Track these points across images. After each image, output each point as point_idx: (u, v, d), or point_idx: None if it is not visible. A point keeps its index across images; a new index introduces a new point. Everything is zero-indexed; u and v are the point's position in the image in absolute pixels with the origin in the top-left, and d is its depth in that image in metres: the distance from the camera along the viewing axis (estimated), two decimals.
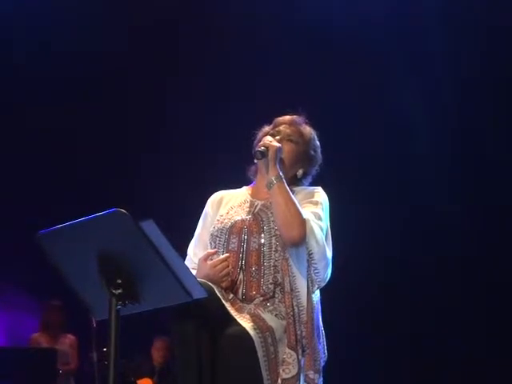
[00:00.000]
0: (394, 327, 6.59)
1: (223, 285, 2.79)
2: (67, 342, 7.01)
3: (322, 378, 2.77)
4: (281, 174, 2.85)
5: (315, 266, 2.79)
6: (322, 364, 2.79)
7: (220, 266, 2.81)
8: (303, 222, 2.76)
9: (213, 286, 2.71)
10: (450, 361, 6.52)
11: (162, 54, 7.07)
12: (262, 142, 2.89)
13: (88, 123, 7.17)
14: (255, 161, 2.92)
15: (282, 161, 2.93)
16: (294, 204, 2.79)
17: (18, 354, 6.59)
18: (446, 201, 6.59)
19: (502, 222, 6.50)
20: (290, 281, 2.76)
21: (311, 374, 2.70)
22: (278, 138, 2.97)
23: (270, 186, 2.84)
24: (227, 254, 2.85)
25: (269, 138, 2.91)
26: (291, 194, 2.83)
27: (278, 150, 2.87)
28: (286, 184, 2.84)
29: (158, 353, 7.16)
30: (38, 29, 6.85)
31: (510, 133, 6.42)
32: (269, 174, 2.86)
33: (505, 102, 6.47)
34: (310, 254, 2.78)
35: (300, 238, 2.76)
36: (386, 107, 6.67)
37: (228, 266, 2.82)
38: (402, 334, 6.59)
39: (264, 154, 2.86)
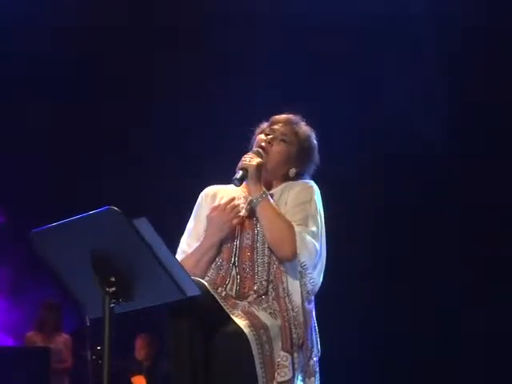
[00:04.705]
0: (394, 328, 6.59)
1: (234, 222, 2.84)
2: (61, 341, 7.04)
3: (318, 376, 2.78)
4: (264, 190, 2.84)
5: (310, 275, 2.79)
6: (316, 359, 2.79)
7: (229, 207, 2.86)
8: (292, 237, 2.76)
9: (205, 283, 2.72)
10: (449, 362, 6.52)
11: (161, 53, 7.08)
12: (239, 164, 2.87)
13: (83, 121, 7.20)
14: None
15: (271, 161, 2.93)
16: (280, 220, 2.79)
17: (11, 353, 6.62)
18: (446, 200, 6.60)
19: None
20: (283, 287, 2.77)
21: (307, 379, 2.71)
22: (270, 137, 2.97)
23: (254, 204, 2.85)
24: (231, 197, 2.91)
25: (246, 157, 2.88)
26: (277, 209, 2.82)
27: (257, 167, 2.85)
28: (271, 200, 2.84)
29: (140, 351, 7.18)
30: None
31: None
32: (252, 194, 2.87)
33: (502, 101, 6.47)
34: (303, 266, 2.78)
35: (292, 254, 2.77)
36: (382, 105, 6.66)
37: (235, 206, 2.87)
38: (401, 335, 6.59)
39: (244, 177, 2.85)
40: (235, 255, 2.85)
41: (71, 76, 7.11)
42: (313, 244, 2.79)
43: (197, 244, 2.92)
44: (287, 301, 2.75)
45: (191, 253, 2.90)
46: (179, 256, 2.92)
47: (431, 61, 6.61)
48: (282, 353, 2.66)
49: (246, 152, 2.94)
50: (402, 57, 6.56)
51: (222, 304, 2.66)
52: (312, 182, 2.98)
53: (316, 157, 3.06)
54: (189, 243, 2.97)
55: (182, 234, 3.04)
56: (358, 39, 6.66)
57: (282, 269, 2.80)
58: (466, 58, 6.53)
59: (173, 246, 2.25)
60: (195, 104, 7.01)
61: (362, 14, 6.63)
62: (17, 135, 7.30)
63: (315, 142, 3.06)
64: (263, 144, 2.95)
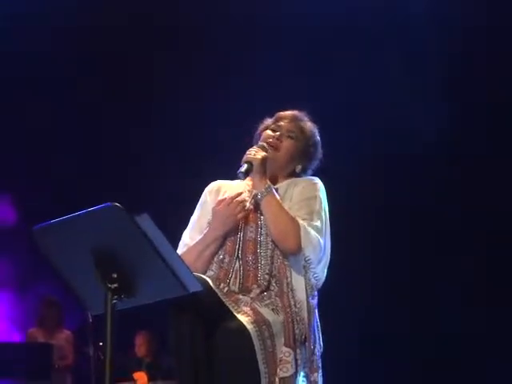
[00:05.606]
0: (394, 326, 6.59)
1: (239, 216, 2.84)
2: (63, 337, 7.04)
3: (321, 373, 2.78)
4: (269, 184, 2.84)
5: (314, 270, 2.80)
6: (319, 354, 2.79)
7: (234, 202, 2.86)
8: (297, 232, 2.76)
9: (208, 279, 2.71)
10: (449, 362, 6.52)
11: (161, 53, 7.09)
12: (244, 157, 2.87)
13: (83, 121, 7.20)
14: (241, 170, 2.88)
15: (280, 157, 2.94)
16: (285, 215, 2.79)
17: (13, 349, 6.62)
18: (446, 200, 6.60)
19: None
20: (287, 282, 2.77)
21: (310, 374, 2.71)
22: (278, 133, 2.97)
23: (259, 199, 2.85)
24: (237, 192, 2.91)
25: (251, 151, 2.88)
26: (281, 204, 2.83)
27: (262, 161, 2.85)
28: (275, 195, 2.84)
29: (140, 347, 7.19)
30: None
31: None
32: (257, 187, 2.87)
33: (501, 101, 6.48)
34: (307, 260, 2.78)
35: (296, 248, 2.77)
36: (382, 105, 6.67)
37: (241, 201, 2.87)
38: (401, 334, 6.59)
39: (249, 171, 2.84)
40: (239, 248, 2.85)
41: (71, 76, 7.12)
42: (317, 239, 2.80)
43: (199, 237, 2.92)
44: (290, 296, 2.75)
45: (193, 245, 2.91)
46: (181, 249, 2.93)
47: (431, 61, 6.62)
48: (285, 348, 2.66)
49: (249, 148, 2.94)
50: (402, 57, 6.56)
51: (225, 300, 2.66)
52: (317, 179, 2.99)
53: (320, 153, 3.07)
54: (191, 236, 2.97)
55: (182, 233, 3.04)
56: (358, 39, 6.66)
57: (286, 263, 2.80)
58: (465, 58, 6.54)
59: (173, 245, 2.24)
60: (195, 104, 7.01)
61: (362, 14, 6.64)
62: (17, 135, 7.31)
63: (318, 137, 3.07)
64: (271, 140, 2.96)
